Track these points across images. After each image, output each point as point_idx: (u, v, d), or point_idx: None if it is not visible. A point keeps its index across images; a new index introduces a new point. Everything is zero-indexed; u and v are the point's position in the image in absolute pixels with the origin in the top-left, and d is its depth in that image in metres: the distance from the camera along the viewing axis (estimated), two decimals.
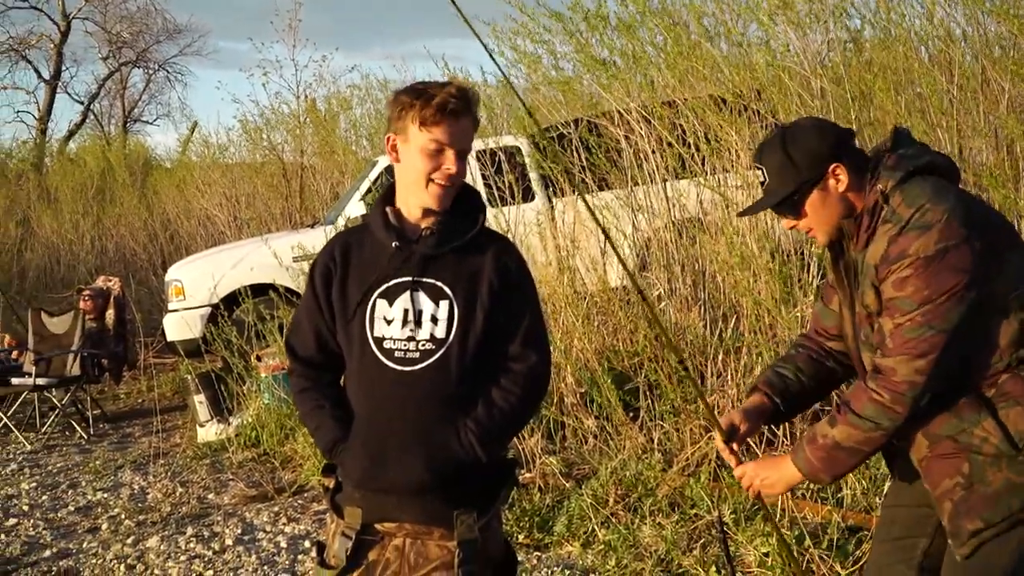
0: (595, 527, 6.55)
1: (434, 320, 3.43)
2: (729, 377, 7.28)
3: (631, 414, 7.59)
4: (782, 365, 3.88)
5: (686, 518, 6.43)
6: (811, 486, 6.29)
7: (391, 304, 3.45)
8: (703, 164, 8.12)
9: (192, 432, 10.91)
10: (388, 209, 3.54)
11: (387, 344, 3.43)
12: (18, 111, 40.87)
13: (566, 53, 9.71)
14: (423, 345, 3.42)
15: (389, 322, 3.44)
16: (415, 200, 3.49)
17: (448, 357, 3.42)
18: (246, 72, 58.55)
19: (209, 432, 10.46)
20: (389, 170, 11.38)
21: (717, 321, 7.74)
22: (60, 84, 40.06)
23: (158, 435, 10.82)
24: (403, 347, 3.42)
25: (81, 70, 67.10)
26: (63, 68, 39.90)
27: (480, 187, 10.16)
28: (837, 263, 3.65)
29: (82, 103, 41.04)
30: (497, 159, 10.17)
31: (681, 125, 8.29)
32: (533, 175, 10.77)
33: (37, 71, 39.69)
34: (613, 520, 6.57)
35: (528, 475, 7.39)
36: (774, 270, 7.22)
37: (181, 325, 12.64)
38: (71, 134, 38.88)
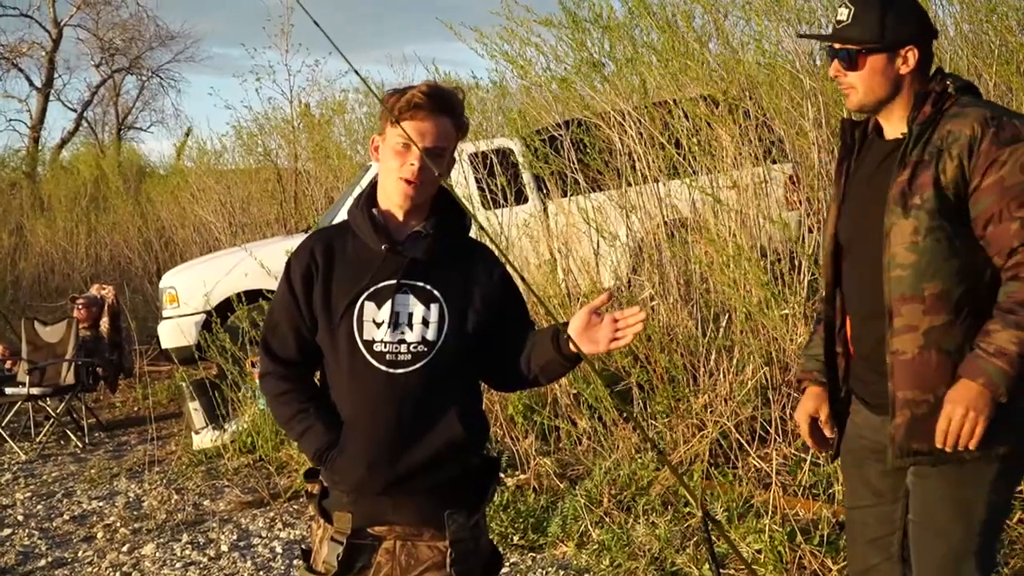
0: (589, 527, 6.57)
1: (425, 323, 3.43)
2: (721, 376, 7.29)
3: (624, 414, 7.59)
4: (810, 348, 3.96)
5: (679, 516, 6.45)
6: (803, 482, 6.34)
7: (379, 307, 3.44)
8: (693, 164, 8.13)
9: (188, 439, 10.90)
10: (375, 211, 3.55)
11: (377, 347, 3.42)
12: (10, 120, 40.82)
13: (561, 55, 9.69)
14: (414, 348, 3.42)
15: (378, 325, 3.42)
16: (393, 201, 3.51)
17: (440, 359, 3.43)
18: (239, 78, 58.37)
19: (204, 439, 10.45)
20: None
21: (708, 321, 7.74)
22: (53, 92, 40.05)
23: (153, 443, 10.81)
24: (394, 350, 3.41)
25: (74, 77, 67.02)
26: (55, 76, 39.90)
27: (473, 189, 10.18)
28: (850, 149, 3.71)
29: (75, 111, 41.05)
30: (489, 161, 10.17)
31: (672, 125, 8.29)
32: (526, 177, 10.75)
33: (29, 79, 39.62)
34: (607, 520, 6.58)
35: (522, 476, 7.40)
36: (762, 269, 7.24)
37: (175, 332, 12.65)
38: (64, 142, 38.87)
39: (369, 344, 3.42)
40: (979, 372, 3.29)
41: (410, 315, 3.44)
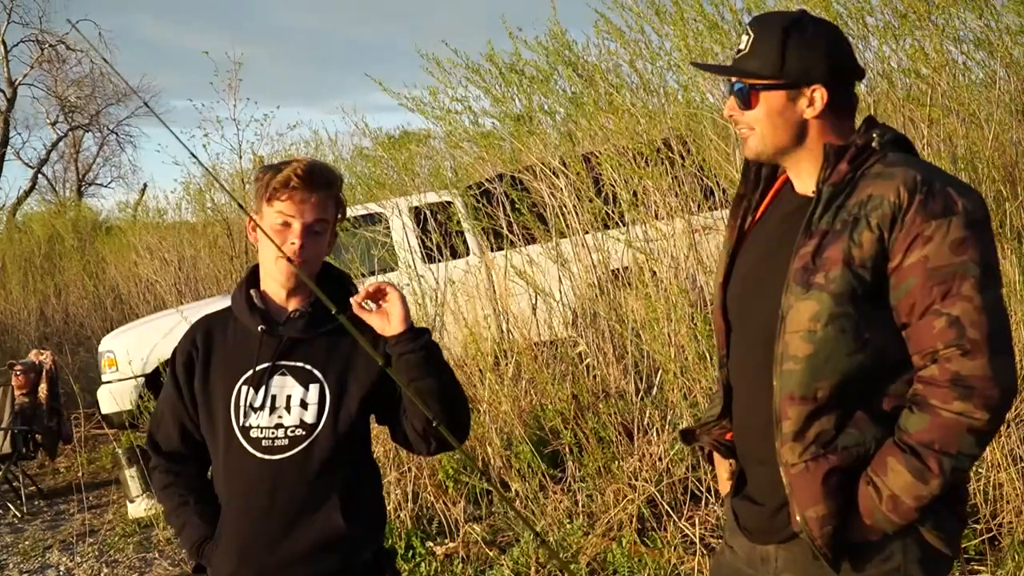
0: None
1: (303, 405, 3.31)
2: (655, 434, 7.12)
3: (560, 475, 7.43)
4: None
5: None
6: None
7: (257, 391, 3.31)
8: (622, 217, 8.03)
9: (124, 508, 10.67)
10: (253, 292, 3.41)
11: (254, 433, 3.29)
12: None
13: (484, 109, 9.61)
14: (292, 432, 3.29)
15: (256, 410, 3.30)
16: (274, 280, 3.36)
17: (318, 443, 3.29)
18: (187, 132, 57.90)
19: (139, 508, 10.22)
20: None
21: (643, 376, 7.60)
22: (12, 151, 39.70)
23: (87, 512, 10.58)
24: (271, 435, 3.29)
25: (33, 136, 66.56)
26: (11, 135, 39.53)
27: (413, 243, 10.08)
28: (753, 187, 3.15)
29: (33, 168, 40.71)
30: (424, 215, 10.09)
31: (600, 177, 8.19)
32: (468, 230, 10.60)
33: None
34: None
35: (451, 545, 7.20)
36: (696, 324, 7.10)
37: (113, 397, 12.46)
38: (19, 201, 38.48)
39: (246, 430, 3.31)
40: (868, 513, 2.78)
41: (288, 397, 3.32)
